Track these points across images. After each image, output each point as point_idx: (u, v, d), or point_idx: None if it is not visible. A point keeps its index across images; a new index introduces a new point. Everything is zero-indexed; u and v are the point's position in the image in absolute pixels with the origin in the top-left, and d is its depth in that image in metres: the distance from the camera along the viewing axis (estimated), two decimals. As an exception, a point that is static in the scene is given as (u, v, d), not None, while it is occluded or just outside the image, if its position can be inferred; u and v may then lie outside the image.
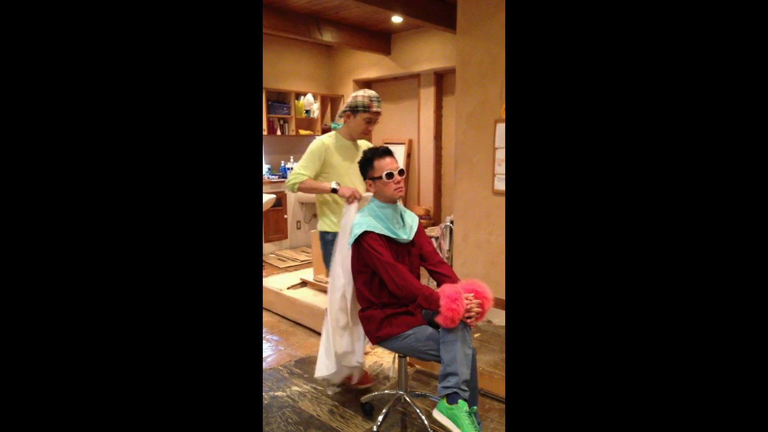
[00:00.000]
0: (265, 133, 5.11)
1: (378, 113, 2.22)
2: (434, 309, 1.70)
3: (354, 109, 2.20)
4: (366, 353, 2.49)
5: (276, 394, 2.35)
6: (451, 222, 3.54)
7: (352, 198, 2.07)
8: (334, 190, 2.13)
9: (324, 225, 2.31)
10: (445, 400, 1.65)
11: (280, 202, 5.13)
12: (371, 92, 2.23)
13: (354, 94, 2.23)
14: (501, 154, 3.03)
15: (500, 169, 3.05)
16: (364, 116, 2.19)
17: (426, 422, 1.98)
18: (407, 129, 5.46)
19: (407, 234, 1.95)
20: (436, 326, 1.75)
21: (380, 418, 2.03)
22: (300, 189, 2.18)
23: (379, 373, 2.55)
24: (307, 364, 2.67)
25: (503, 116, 2.99)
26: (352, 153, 2.26)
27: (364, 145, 2.30)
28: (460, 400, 1.62)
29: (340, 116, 2.27)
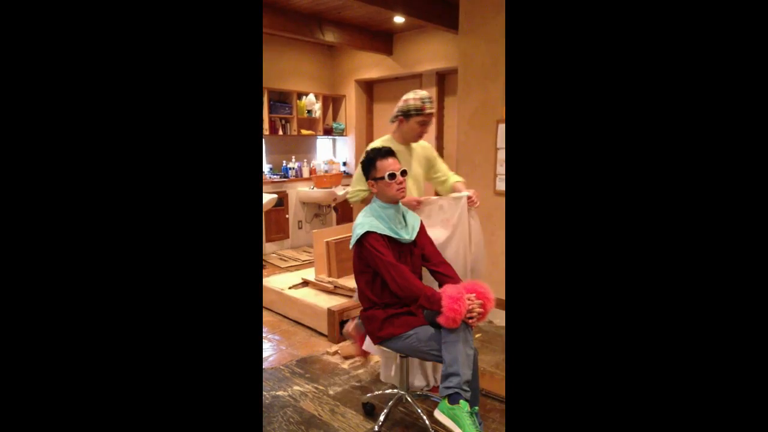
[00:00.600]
0: (266, 132, 5.11)
1: (431, 115, 2.15)
2: (436, 309, 1.70)
3: (406, 114, 2.13)
4: None
5: (277, 393, 2.35)
6: (453, 222, 3.53)
7: (418, 207, 2.11)
8: None
9: None
10: (446, 401, 1.65)
11: (281, 201, 5.14)
12: (422, 93, 2.16)
13: (405, 98, 2.15)
14: (502, 155, 3.03)
15: (501, 169, 3.05)
16: (418, 119, 2.12)
17: (427, 422, 1.98)
18: (409, 129, 5.46)
19: (409, 234, 1.95)
20: (437, 327, 1.76)
21: (381, 418, 2.03)
22: (363, 202, 2.18)
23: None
24: (308, 363, 2.67)
25: (505, 117, 2.99)
26: (406, 157, 2.18)
27: (417, 148, 2.26)
28: (461, 401, 1.62)
29: (392, 121, 2.20)
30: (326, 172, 5.71)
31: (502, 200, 3.01)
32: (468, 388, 1.66)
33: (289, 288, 3.52)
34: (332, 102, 5.87)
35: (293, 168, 5.44)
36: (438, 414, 1.68)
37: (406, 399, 2.07)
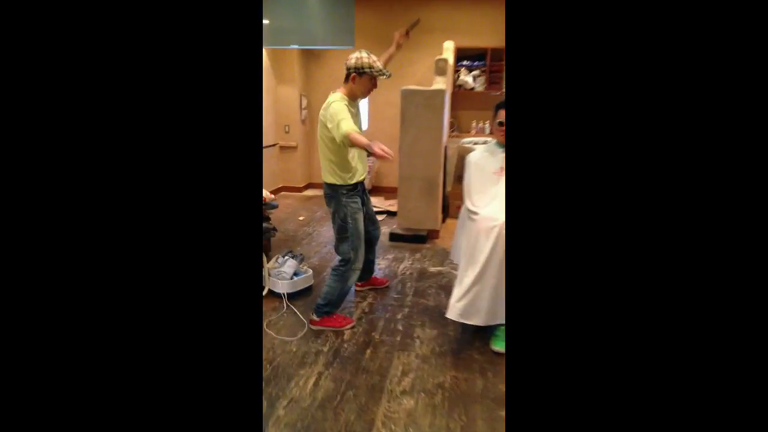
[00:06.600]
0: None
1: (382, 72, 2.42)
2: None
3: (360, 71, 2.37)
4: None
5: None
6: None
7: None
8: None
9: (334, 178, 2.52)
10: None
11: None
12: (369, 52, 2.40)
13: (358, 56, 2.36)
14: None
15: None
16: (371, 77, 2.41)
17: None
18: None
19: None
20: None
21: None
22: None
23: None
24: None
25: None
26: (353, 111, 2.49)
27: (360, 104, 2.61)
28: None
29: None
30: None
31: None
32: None
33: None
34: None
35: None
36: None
37: None
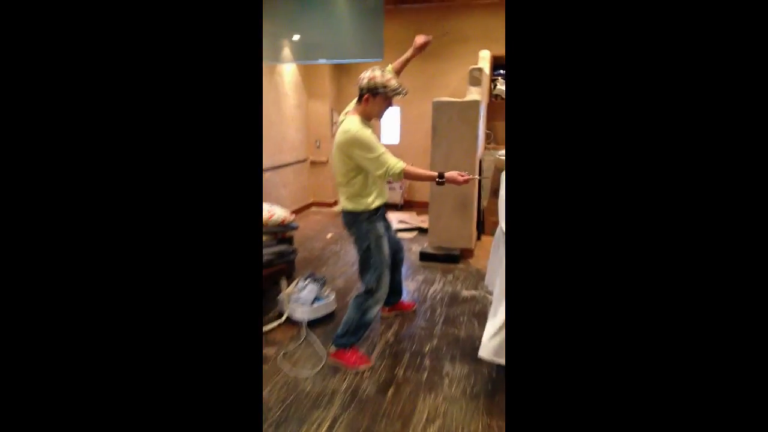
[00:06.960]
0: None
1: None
2: None
3: (374, 91, 2.13)
4: None
5: None
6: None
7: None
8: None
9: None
10: None
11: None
12: (386, 69, 2.26)
13: (370, 75, 2.12)
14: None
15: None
16: (385, 96, 2.16)
17: None
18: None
19: None
20: None
21: None
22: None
23: None
24: None
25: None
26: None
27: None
28: None
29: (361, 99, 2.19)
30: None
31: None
32: None
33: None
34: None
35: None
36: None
37: None
